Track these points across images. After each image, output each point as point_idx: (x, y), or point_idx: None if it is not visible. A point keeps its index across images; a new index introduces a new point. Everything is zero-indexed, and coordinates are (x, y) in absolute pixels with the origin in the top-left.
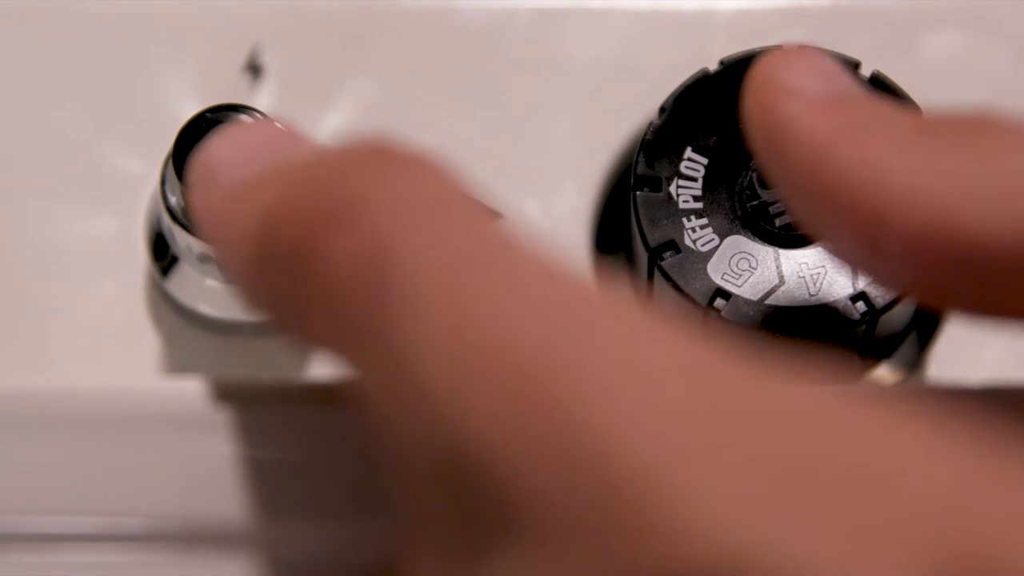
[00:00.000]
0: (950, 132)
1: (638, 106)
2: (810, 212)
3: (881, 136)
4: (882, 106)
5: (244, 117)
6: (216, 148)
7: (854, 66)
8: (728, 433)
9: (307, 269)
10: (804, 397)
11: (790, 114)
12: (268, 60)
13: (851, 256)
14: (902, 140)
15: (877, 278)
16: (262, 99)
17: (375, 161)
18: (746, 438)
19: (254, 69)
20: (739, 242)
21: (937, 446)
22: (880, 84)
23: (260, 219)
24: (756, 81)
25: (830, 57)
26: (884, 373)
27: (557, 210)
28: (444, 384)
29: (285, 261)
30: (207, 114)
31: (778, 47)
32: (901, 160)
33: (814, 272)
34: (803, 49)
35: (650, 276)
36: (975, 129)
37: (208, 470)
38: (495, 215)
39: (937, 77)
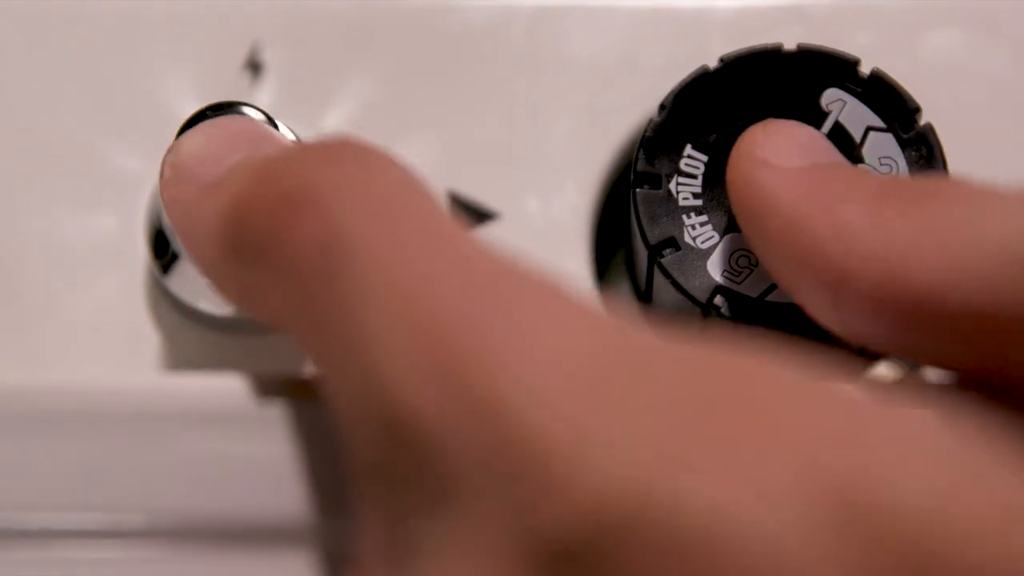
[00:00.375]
0: (909, 193)
1: (638, 104)
2: (785, 276)
3: (847, 202)
4: (850, 172)
5: (244, 111)
6: (188, 144)
7: (853, 64)
8: (617, 384)
9: (268, 256)
10: (685, 350)
11: (767, 186)
12: (268, 58)
13: (820, 314)
14: (866, 204)
15: (845, 335)
16: (262, 97)
17: (333, 157)
18: (635, 387)
19: (254, 67)
20: (739, 239)
21: (808, 387)
22: (880, 82)
23: (227, 211)
24: (737, 155)
25: (806, 128)
26: (883, 371)
27: (557, 210)
28: (385, 358)
29: (248, 249)
30: (207, 112)
31: (760, 123)
32: (863, 223)
33: None
34: (782, 124)
35: (650, 273)
36: (932, 189)
37: (208, 466)
38: (447, 210)
39: (937, 77)
